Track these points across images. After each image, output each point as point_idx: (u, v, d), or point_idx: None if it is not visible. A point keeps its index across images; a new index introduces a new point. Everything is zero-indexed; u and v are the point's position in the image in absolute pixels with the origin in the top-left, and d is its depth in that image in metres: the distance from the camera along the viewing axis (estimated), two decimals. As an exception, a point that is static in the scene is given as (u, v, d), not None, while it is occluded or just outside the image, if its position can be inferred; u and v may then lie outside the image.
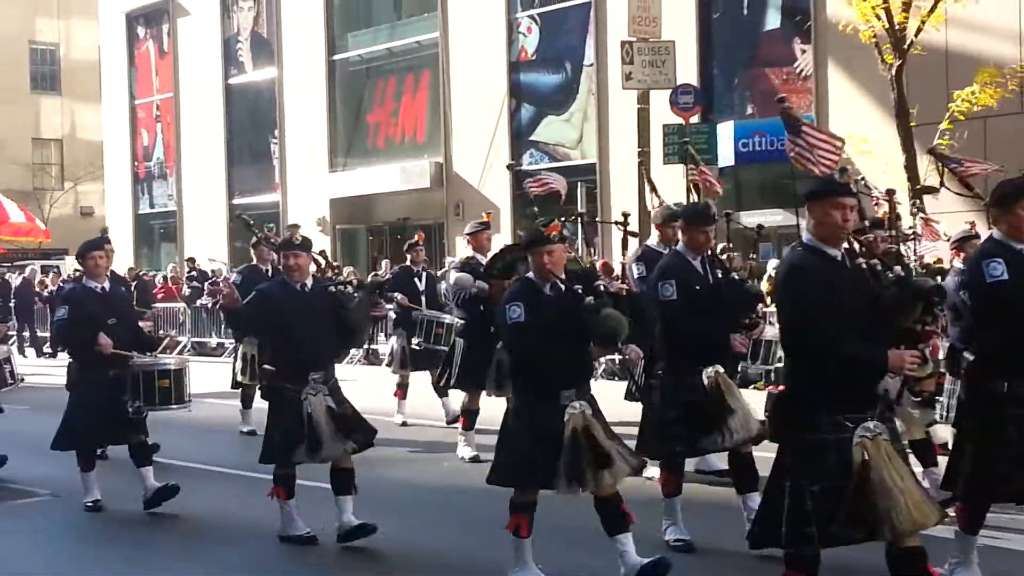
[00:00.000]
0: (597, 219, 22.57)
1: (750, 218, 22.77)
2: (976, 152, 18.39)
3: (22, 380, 10.45)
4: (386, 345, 18.71)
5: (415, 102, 29.61)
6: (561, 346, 6.48)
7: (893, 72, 17.23)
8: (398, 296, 12.84)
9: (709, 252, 7.65)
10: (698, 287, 7.40)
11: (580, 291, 6.55)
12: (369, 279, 9.61)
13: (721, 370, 7.33)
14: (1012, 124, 18.40)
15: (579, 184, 23.87)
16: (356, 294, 7.94)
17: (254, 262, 13.01)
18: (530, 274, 6.76)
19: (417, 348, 12.69)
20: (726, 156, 22.17)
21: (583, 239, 17.13)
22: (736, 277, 7.87)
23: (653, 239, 9.63)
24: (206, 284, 25.50)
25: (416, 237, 13.94)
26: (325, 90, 31.15)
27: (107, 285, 9.01)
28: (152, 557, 7.97)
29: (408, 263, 13.53)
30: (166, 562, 7.82)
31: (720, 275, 7.63)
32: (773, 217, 22.81)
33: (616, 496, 6.48)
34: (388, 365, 13.22)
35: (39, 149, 49.09)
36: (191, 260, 29.14)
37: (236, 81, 34.06)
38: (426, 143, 29.05)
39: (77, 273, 10.98)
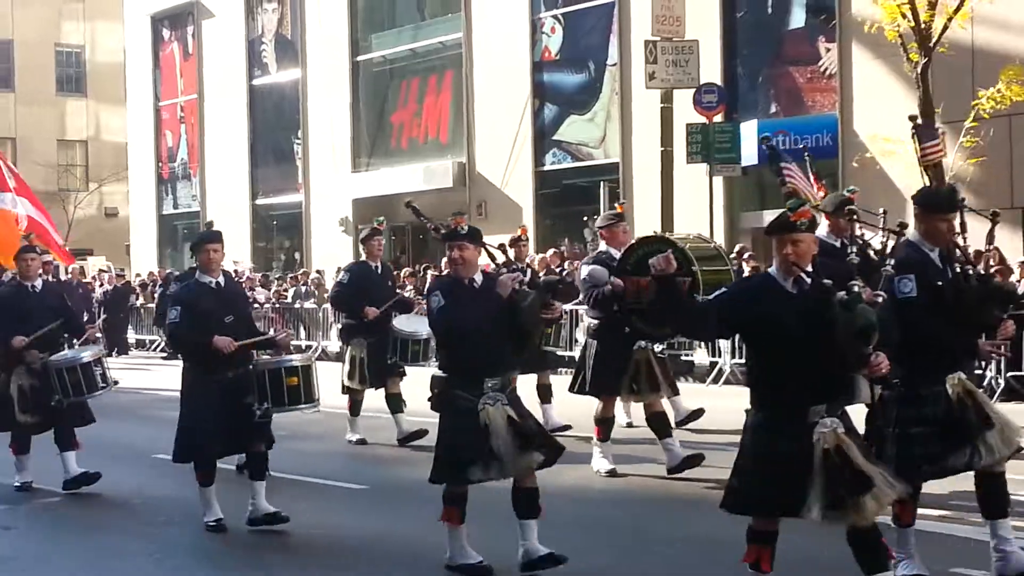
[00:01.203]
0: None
1: (773, 218, 22.69)
2: (1002, 150, 18.30)
3: (116, 383, 9.94)
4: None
5: (438, 102, 29.61)
6: (809, 354, 5.47)
7: (918, 71, 17.10)
8: None
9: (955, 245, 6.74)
10: (940, 283, 6.48)
11: (829, 285, 5.53)
12: (543, 276, 8.88)
13: (965, 377, 6.46)
14: (1038, 122, 18.26)
15: (602, 183, 23.85)
16: (530, 291, 7.11)
17: (363, 258, 12.27)
18: (771, 268, 5.74)
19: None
20: (749, 155, 22.04)
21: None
22: (981, 271, 6.90)
23: (823, 230, 8.71)
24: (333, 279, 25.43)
25: (520, 231, 13.27)
26: (349, 91, 31.18)
27: (222, 280, 8.45)
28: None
29: (513, 259, 12.88)
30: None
31: (963, 270, 6.63)
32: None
33: (875, 528, 5.52)
34: None
35: (64, 150, 49.30)
36: (214, 260, 29.18)
37: (260, 82, 34.13)
38: (449, 143, 29.05)
39: (166, 272, 11.03)
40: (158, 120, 37.75)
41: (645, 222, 21.94)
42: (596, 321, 9.90)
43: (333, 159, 31.46)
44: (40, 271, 10.27)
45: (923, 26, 16.93)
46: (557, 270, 20.43)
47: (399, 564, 7.38)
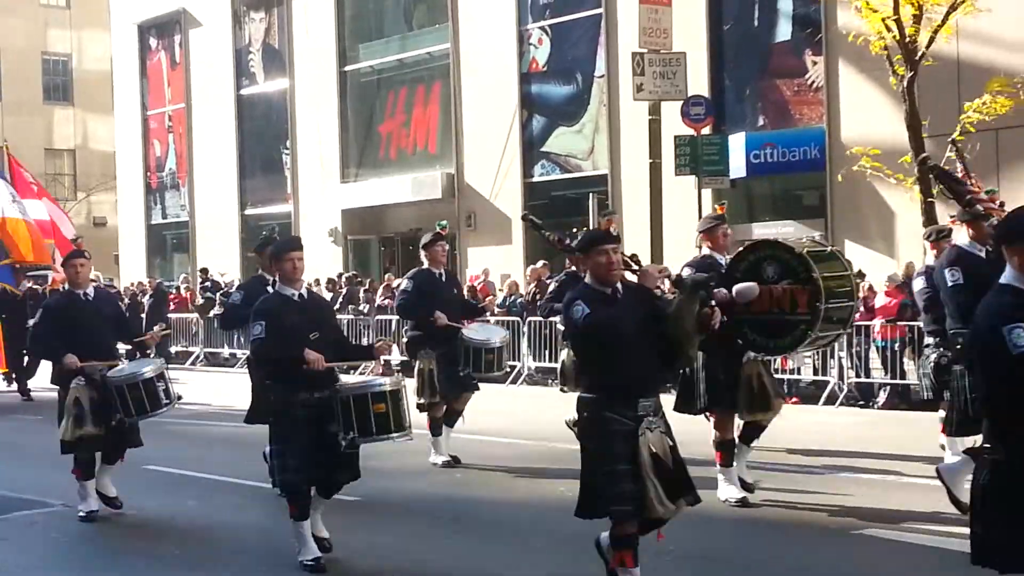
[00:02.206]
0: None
1: (761, 230, 22.80)
2: (988, 162, 18.42)
3: (179, 398, 9.37)
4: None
5: (426, 113, 29.68)
6: None
7: (904, 84, 17.21)
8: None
9: None
10: None
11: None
12: (685, 274, 7.56)
13: None
14: (1022, 135, 18.38)
15: (590, 195, 23.90)
16: (672, 297, 6.42)
17: (424, 265, 11.23)
18: (1010, 278, 4.78)
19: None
20: (737, 168, 22.18)
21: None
22: None
23: (963, 238, 8.40)
24: (218, 295, 25.58)
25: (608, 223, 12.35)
26: (336, 101, 31.22)
27: (305, 292, 7.75)
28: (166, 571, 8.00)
29: (573, 268, 11.91)
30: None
31: None
32: (784, 229, 22.82)
33: None
34: (562, 384, 11.37)
35: (52, 159, 49.26)
36: (204, 271, 29.23)
37: (248, 92, 34.15)
38: (438, 154, 29.10)
39: (156, 282, 10.47)
40: (146, 129, 37.73)
41: (634, 234, 22.00)
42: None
43: (321, 169, 31.49)
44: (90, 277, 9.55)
45: (908, 39, 17.04)
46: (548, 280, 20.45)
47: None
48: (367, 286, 24.37)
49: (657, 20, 21.91)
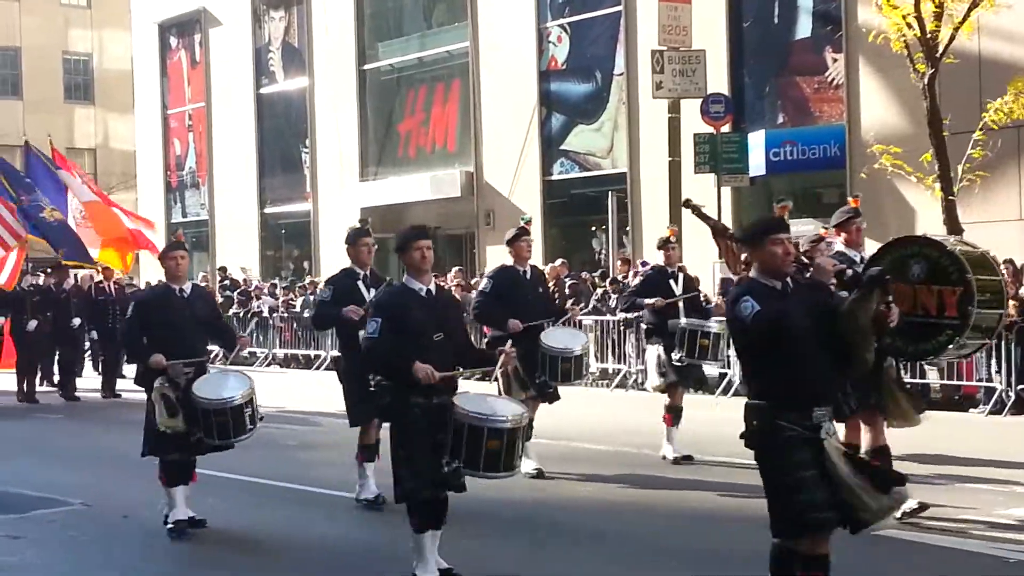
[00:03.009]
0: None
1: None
2: (1010, 161, 18.31)
3: (262, 419, 8.73)
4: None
5: (445, 111, 29.67)
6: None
7: (925, 81, 17.10)
8: (648, 300, 11.08)
9: None
10: None
11: None
12: (864, 267, 7.03)
13: None
14: (1046, 133, 18.29)
15: (610, 193, 23.88)
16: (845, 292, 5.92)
17: (509, 262, 10.71)
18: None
19: (679, 364, 10.93)
20: (757, 165, 22.09)
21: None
22: None
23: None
24: (236, 293, 25.66)
25: (668, 232, 12.08)
26: (356, 99, 31.25)
27: (433, 288, 7.06)
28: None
29: (662, 262, 11.59)
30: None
31: None
32: (804, 227, 22.70)
33: None
34: (641, 385, 11.62)
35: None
36: (223, 269, 29.31)
37: (267, 91, 34.21)
38: (457, 152, 29.10)
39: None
40: (166, 128, 37.84)
41: (653, 233, 21.95)
42: None
43: (341, 168, 31.52)
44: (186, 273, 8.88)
45: (929, 36, 16.93)
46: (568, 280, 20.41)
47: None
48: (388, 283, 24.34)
49: (676, 18, 21.88)
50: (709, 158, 21.61)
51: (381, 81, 31.36)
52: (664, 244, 11.50)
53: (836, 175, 21.69)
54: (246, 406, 8.39)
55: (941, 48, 17.01)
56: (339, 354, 10.04)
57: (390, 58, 30.98)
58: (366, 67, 31.32)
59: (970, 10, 16.80)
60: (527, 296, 10.33)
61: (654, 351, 11.24)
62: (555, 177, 26.85)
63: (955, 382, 15.43)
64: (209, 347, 9.26)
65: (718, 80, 22.61)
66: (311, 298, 25.41)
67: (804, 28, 22.95)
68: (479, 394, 7.04)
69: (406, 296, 6.90)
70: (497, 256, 26.46)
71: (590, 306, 19.57)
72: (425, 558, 6.77)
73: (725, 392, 16.87)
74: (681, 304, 11.12)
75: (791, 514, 5.44)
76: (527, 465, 10.62)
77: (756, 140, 22.21)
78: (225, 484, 10.37)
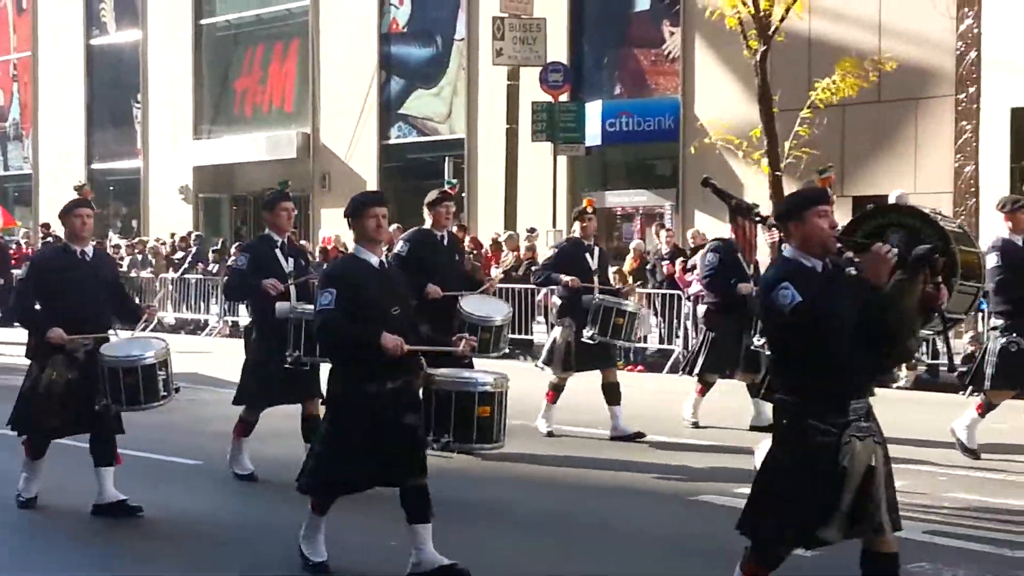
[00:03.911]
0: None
1: (616, 198, 22.99)
2: (834, 139, 18.82)
3: (178, 391, 7.80)
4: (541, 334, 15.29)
5: (283, 71, 29.12)
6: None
7: (757, 58, 17.43)
8: (564, 277, 10.38)
9: None
10: None
11: None
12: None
13: None
14: (869, 113, 18.81)
15: (447, 158, 23.82)
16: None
17: (426, 225, 9.88)
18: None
19: (590, 341, 10.37)
20: (593, 136, 22.26)
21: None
22: None
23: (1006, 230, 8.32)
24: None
25: (585, 203, 11.24)
26: (191, 55, 30.46)
27: (385, 259, 6.51)
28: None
29: (578, 235, 10.75)
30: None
31: None
32: (638, 198, 23.03)
33: None
34: (545, 363, 10.66)
35: None
36: (46, 226, 28.25)
37: (98, 42, 33.10)
38: (294, 113, 28.61)
39: None
40: (-11, 77, 36.37)
41: (489, 200, 21.98)
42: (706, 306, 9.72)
43: (173, 125, 30.70)
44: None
45: (762, 14, 17.24)
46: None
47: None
48: (219, 245, 23.86)
49: (518, -15, 21.87)
50: (546, 127, 21.70)
51: (218, 37, 30.60)
52: (580, 215, 10.74)
53: (670, 147, 22.00)
54: (160, 367, 7.53)
55: (773, 26, 17.35)
56: (249, 324, 9.15)
57: (228, 13, 30.26)
58: (203, 22, 30.56)
59: (802, -10, 17.17)
60: (444, 261, 9.71)
61: (563, 337, 10.56)
62: (392, 141, 26.64)
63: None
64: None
65: (558, 49, 22.69)
66: (139, 257, 24.73)
67: (643, 1, 23.15)
68: (448, 368, 6.46)
69: (359, 268, 6.25)
70: (333, 219, 26.16)
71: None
72: (317, 543, 6.40)
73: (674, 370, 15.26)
74: (596, 277, 10.58)
75: (795, 525, 4.97)
76: (542, 425, 10.53)
77: (593, 110, 22.37)
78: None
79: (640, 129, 22.25)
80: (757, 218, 7.11)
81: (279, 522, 7.33)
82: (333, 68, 27.29)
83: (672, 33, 22.28)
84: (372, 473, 6.14)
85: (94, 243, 8.27)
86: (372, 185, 25.78)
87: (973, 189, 17.60)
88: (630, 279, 15.47)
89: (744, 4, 17.26)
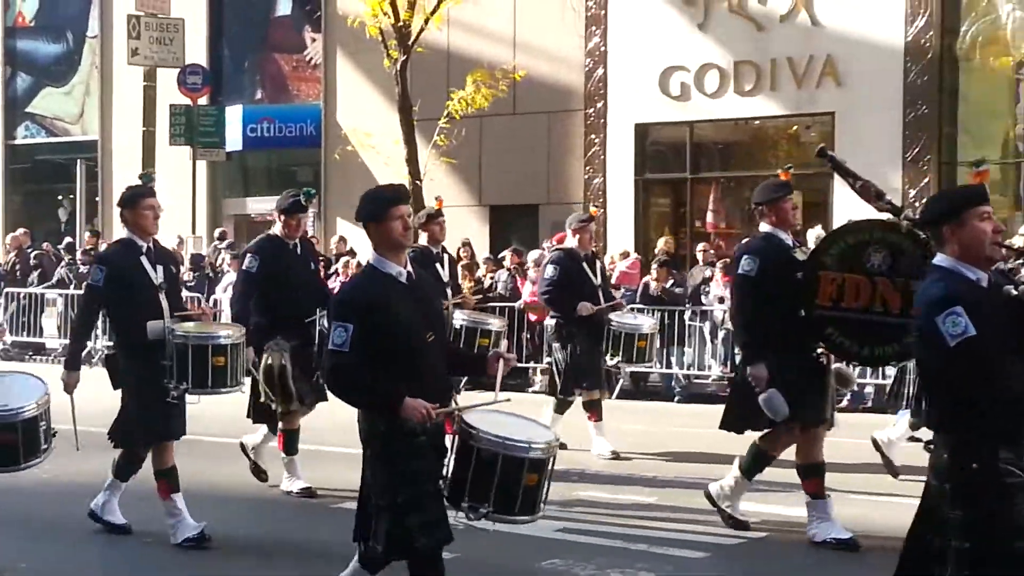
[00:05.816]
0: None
1: (257, 205, 22.74)
2: (473, 149, 19.38)
3: (54, 434, 6.48)
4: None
5: None
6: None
7: (397, 67, 17.72)
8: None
9: None
10: None
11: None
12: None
13: None
14: (505, 124, 19.45)
15: (79, 161, 22.90)
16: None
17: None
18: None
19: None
20: (234, 140, 21.97)
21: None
22: None
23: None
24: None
25: (436, 203, 10.18)
26: None
27: (411, 269, 5.12)
28: None
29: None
30: None
31: None
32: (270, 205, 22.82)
33: None
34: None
35: None
36: None
37: None
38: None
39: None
40: None
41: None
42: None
43: None
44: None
45: (402, 25, 17.55)
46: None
47: None
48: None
49: (155, -17, 21.30)
50: (185, 130, 21.26)
51: None
52: (430, 218, 9.83)
53: (312, 154, 21.98)
54: (42, 418, 6.35)
55: (413, 36, 17.69)
56: (110, 351, 7.73)
57: None
58: None
59: (440, 2, 17.59)
60: (296, 271, 8.45)
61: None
62: (19, 141, 25.30)
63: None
64: None
65: (197, 51, 22.25)
66: None
67: (284, 6, 23.00)
68: (485, 410, 5.08)
69: (384, 285, 4.95)
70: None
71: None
72: None
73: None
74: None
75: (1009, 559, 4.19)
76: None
77: (234, 115, 22.07)
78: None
79: (282, 135, 22.14)
80: (888, 206, 6.31)
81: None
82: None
83: (314, 39, 22.28)
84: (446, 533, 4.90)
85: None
86: (-4, 187, 24.45)
87: (601, 200, 18.52)
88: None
89: (385, 14, 17.52)
